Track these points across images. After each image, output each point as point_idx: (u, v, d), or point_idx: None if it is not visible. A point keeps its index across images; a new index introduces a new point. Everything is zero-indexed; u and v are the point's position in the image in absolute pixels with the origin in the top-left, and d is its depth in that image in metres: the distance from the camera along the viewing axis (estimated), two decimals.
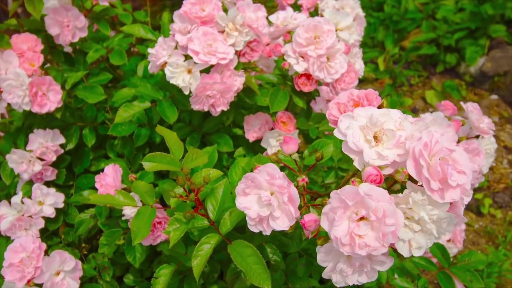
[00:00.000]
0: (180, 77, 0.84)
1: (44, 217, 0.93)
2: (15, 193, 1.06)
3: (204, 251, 0.63)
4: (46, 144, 0.98)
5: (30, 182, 1.01)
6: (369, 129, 0.53)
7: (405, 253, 0.52)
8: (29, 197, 0.94)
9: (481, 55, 2.52)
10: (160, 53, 0.86)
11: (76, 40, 0.99)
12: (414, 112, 2.40)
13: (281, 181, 0.55)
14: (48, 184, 1.01)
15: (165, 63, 0.86)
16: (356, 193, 0.49)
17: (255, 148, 1.05)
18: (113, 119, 1.07)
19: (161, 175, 1.04)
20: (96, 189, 1.03)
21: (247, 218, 0.58)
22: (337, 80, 0.90)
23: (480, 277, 0.90)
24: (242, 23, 0.86)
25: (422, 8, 2.82)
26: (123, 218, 0.83)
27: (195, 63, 0.85)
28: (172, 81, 0.84)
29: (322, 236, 0.56)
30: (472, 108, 0.94)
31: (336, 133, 0.55)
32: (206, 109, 0.87)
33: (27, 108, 0.91)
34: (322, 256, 0.55)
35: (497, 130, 2.23)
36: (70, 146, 1.02)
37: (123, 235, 0.88)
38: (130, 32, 1.00)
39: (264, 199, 0.56)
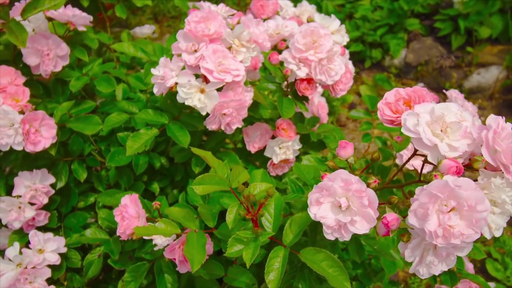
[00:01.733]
0: (195, 97, 0.81)
1: (49, 266, 0.85)
2: None
3: (277, 265, 0.61)
4: (35, 186, 0.89)
5: (18, 231, 0.91)
6: (436, 123, 0.56)
7: (488, 235, 0.56)
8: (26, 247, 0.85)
9: (403, 47, 2.72)
10: (168, 74, 0.82)
11: (59, 69, 0.91)
12: (353, 107, 2.53)
13: (358, 185, 0.56)
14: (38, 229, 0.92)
15: (175, 84, 0.82)
16: (445, 185, 0.52)
17: (253, 159, 1.05)
18: (99, 150, 1.01)
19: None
20: (85, 227, 0.98)
21: (324, 227, 0.58)
22: (336, 82, 0.92)
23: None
24: (249, 39, 0.85)
25: (340, 10, 2.99)
26: (156, 248, 0.78)
27: (206, 82, 0.83)
28: (187, 102, 0.81)
29: (406, 233, 0.58)
30: (455, 95, 1.02)
31: (405, 131, 0.57)
32: (222, 128, 0.85)
33: (19, 148, 0.82)
34: (409, 252, 0.57)
35: None
36: (61, 184, 0.94)
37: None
38: (119, 50, 0.94)
39: (344, 205, 0.56)
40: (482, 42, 2.60)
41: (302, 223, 0.64)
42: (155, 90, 0.85)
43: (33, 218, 0.89)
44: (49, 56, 0.90)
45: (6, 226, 0.91)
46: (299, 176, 0.72)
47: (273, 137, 1.00)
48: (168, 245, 0.76)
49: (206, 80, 0.84)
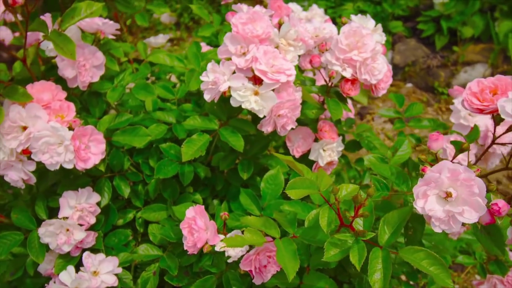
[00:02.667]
0: (251, 100, 0.79)
1: None
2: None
3: (380, 266, 0.59)
4: (81, 206, 0.84)
5: (65, 255, 0.86)
6: None
7: None
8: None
9: (388, 49, 2.77)
10: (220, 78, 0.80)
11: (96, 80, 0.87)
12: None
13: (467, 174, 0.55)
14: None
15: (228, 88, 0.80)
16: None
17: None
18: (136, 164, 0.97)
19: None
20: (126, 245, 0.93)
21: (433, 219, 0.57)
22: (378, 81, 0.92)
23: None
24: (296, 37, 0.84)
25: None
26: (230, 260, 0.74)
27: (255, 83, 0.80)
28: (244, 106, 0.79)
29: None
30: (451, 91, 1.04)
31: (504, 116, 0.57)
32: (278, 130, 0.83)
33: (69, 167, 0.77)
34: None
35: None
36: (105, 202, 0.89)
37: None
38: (155, 61, 0.91)
39: (454, 195, 0.55)
40: (466, 41, 2.68)
41: (395, 221, 0.62)
42: (206, 97, 0.82)
43: (82, 240, 0.84)
44: (85, 67, 0.85)
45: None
46: (380, 173, 0.70)
47: (315, 140, 0.99)
48: (242, 256, 0.73)
49: (255, 82, 0.82)
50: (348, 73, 0.88)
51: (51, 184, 0.91)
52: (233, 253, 0.73)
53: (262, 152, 0.96)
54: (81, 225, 0.84)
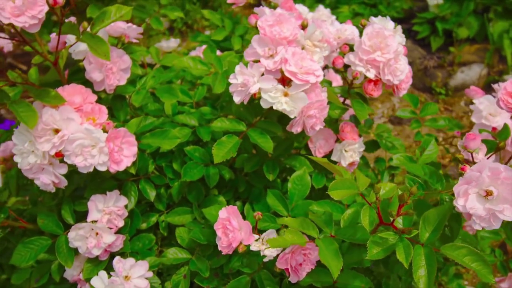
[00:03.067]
0: (282, 101, 0.80)
1: None
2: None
3: (423, 263, 0.60)
4: (109, 209, 0.84)
5: (93, 259, 0.86)
6: None
7: None
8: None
9: None
10: (250, 80, 0.80)
11: (123, 83, 0.87)
12: None
13: (508, 172, 0.57)
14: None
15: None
16: None
17: (317, 164, 1.03)
18: (159, 167, 0.97)
19: None
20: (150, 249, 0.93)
21: (474, 217, 0.58)
22: (400, 81, 0.94)
23: None
24: (321, 38, 0.85)
25: None
26: (266, 259, 0.75)
27: (283, 85, 0.81)
28: (276, 107, 0.79)
29: None
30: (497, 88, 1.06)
31: None
32: (307, 130, 0.84)
33: (103, 169, 0.77)
34: None
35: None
36: (131, 206, 0.89)
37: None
38: (180, 66, 0.91)
39: (495, 193, 0.57)
40: (461, 42, 2.72)
41: (435, 219, 0.63)
42: (236, 99, 0.82)
43: (111, 244, 0.84)
44: (112, 70, 0.85)
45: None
46: (414, 173, 0.71)
47: (336, 141, 1.00)
48: (277, 255, 0.74)
49: (283, 84, 0.82)
50: (371, 74, 0.89)
51: (75, 188, 0.91)
52: (269, 252, 0.74)
53: (286, 153, 0.97)
54: (109, 228, 0.84)
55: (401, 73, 0.92)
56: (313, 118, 0.83)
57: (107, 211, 0.84)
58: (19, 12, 0.66)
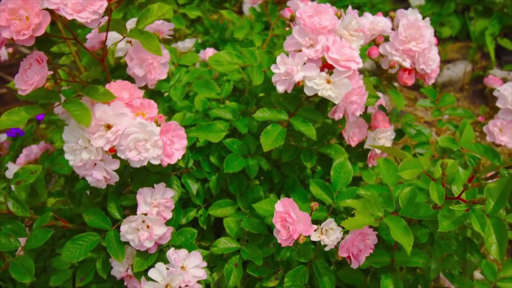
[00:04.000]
0: (327, 87, 0.82)
1: None
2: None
3: (492, 231, 0.63)
4: (157, 202, 0.84)
5: (142, 253, 0.85)
6: None
7: None
8: None
9: None
10: (294, 69, 0.82)
11: (164, 77, 0.88)
12: None
13: None
14: None
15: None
16: None
17: (350, 152, 1.05)
18: (196, 161, 0.97)
19: None
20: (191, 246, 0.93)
21: None
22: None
23: None
24: (357, 28, 0.88)
25: None
26: (327, 248, 0.76)
27: (331, 72, 0.84)
28: (321, 93, 0.81)
29: None
30: None
31: None
32: (348, 116, 0.87)
33: (156, 162, 0.77)
34: None
35: (412, 109, 2.57)
36: (175, 199, 0.89)
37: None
38: (216, 59, 0.92)
39: None
40: (445, 40, 2.81)
41: (497, 192, 0.66)
42: (280, 88, 0.84)
43: (161, 236, 0.83)
44: (153, 65, 0.86)
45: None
46: (471, 150, 0.74)
47: (368, 129, 1.03)
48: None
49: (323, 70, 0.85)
50: (407, 63, 0.93)
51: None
52: (329, 241, 0.75)
53: (321, 142, 0.99)
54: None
55: (433, 62, 0.95)
56: (354, 104, 0.86)
57: (155, 204, 0.84)
58: (81, 7, 0.66)
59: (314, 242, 0.81)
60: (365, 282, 0.86)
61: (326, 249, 0.75)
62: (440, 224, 0.64)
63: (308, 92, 0.83)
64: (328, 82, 0.83)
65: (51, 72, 0.74)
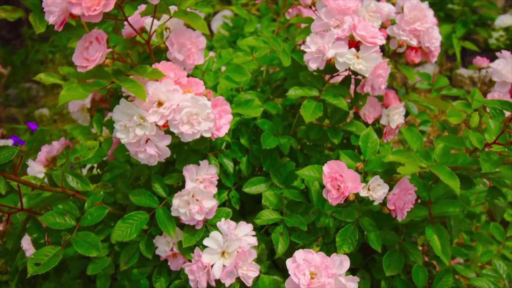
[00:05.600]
0: (357, 62, 0.89)
1: None
2: None
3: None
4: (202, 177, 0.88)
5: (189, 229, 0.88)
6: None
7: None
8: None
9: None
10: (325, 47, 0.89)
11: (201, 62, 0.92)
12: None
13: None
14: None
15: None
16: None
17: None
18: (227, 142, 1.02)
19: None
20: None
21: None
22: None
23: None
24: (376, 10, 0.96)
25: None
26: (376, 203, 0.81)
27: (358, 49, 0.91)
28: (353, 67, 0.88)
29: None
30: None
31: None
32: (375, 89, 0.94)
33: (208, 135, 0.81)
34: None
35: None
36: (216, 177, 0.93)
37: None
38: (249, 44, 0.98)
39: None
40: None
41: None
42: (313, 66, 0.90)
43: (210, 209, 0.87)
44: (191, 50, 0.90)
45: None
46: (493, 105, 0.83)
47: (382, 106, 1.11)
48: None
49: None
50: (415, 42, 1.02)
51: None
52: (377, 196, 0.81)
53: (343, 119, 1.05)
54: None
55: (436, 40, 1.05)
56: (380, 77, 0.93)
57: (201, 180, 0.87)
58: None
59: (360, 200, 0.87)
60: (399, 241, 0.92)
61: (375, 203, 0.81)
62: (483, 166, 0.71)
63: (340, 68, 0.90)
64: (357, 57, 0.91)
65: (110, 50, 0.77)
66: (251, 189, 0.98)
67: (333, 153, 1.14)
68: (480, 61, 1.25)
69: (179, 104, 0.78)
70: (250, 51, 1.10)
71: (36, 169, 1.12)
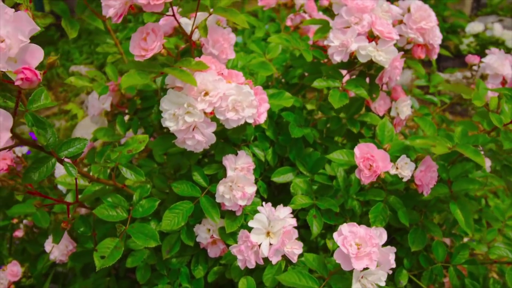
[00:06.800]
0: (378, 54, 0.97)
1: None
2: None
3: None
4: (241, 166, 0.93)
5: (230, 215, 0.93)
6: None
7: None
8: None
9: None
10: (349, 41, 0.97)
11: (233, 57, 0.98)
12: None
13: None
14: None
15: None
16: None
17: None
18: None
19: None
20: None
21: None
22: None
23: None
24: (388, 9, 1.05)
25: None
26: (404, 179, 0.89)
27: (377, 43, 1.00)
28: (375, 59, 0.96)
29: None
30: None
31: None
32: (393, 80, 1.03)
33: (251, 121, 0.87)
34: None
35: None
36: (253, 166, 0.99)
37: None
38: (276, 42, 1.05)
39: None
40: None
41: None
42: (337, 58, 0.98)
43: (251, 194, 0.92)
44: (224, 46, 0.96)
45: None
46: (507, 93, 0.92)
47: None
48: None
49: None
50: (421, 39, 1.11)
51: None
52: (405, 174, 0.89)
53: (358, 112, 1.13)
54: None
55: (438, 38, 1.15)
56: (396, 69, 1.02)
57: (239, 168, 0.92)
58: None
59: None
60: (420, 219, 1.00)
61: (404, 179, 0.89)
62: (504, 144, 0.80)
63: (362, 59, 0.98)
64: (377, 51, 0.99)
65: (165, 41, 0.82)
66: (279, 178, 1.04)
67: (346, 144, 1.22)
68: (472, 58, 1.37)
69: (225, 92, 0.84)
70: (262, 53, 1.18)
71: (64, 170, 1.14)
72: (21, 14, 0.55)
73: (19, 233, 1.33)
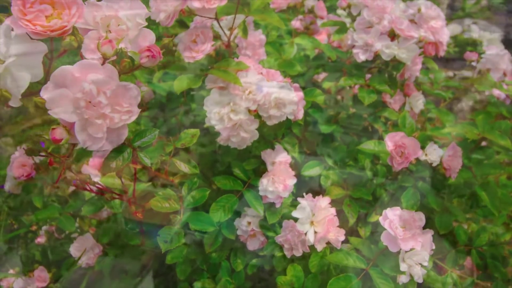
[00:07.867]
0: (401, 51, 1.04)
1: None
2: None
3: None
4: (279, 160, 0.97)
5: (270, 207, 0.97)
6: None
7: None
8: None
9: None
10: (373, 40, 1.03)
11: (264, 57, 1.03)
12: None
13: None
14: None
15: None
16: None
17: None
18: None
19: None
20: None
21: None
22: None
23: None
24: (404, 9, 1.12)
25: None
26: (434, 164, 0.95)
27: (398, 41, 1.06)
28: (399, 57, 1.03)
29: None
30: None
31: None
32: (413, 76, 1.09)
33: (291, 117, 0.92)
34: None
35: None
36: None
37: None
38: (299, 42, 1.10)
39: None
40: None
41: None
42: (362, 57, 1.04)
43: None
44: (256, 46, 1.01)
45: None
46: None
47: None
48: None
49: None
50: (432, 37, 1.19)
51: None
52: (434, 159, 0.95)
53: (377, 107, 1.19)
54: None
55: (446, 36, 1.23)
56: (417, 65, 1.09)
57: (278, 162, 0.97)
58: None
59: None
60: (443, 204, 1.06)
61: (433, 165, 0.95)
62: None
63: (385, 57, 1.04)
64: (399, 49, 1.06)
65: (214, 42, 0.85)
66: (309, 172, 1.08)
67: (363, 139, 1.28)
68: (471, 55, 1.46)
69: (268, 90, 0.88)
70: (279, 54, 1.23)
71: (92, 172, 1.15)
72: None
73: (41, 239, 1.32)
